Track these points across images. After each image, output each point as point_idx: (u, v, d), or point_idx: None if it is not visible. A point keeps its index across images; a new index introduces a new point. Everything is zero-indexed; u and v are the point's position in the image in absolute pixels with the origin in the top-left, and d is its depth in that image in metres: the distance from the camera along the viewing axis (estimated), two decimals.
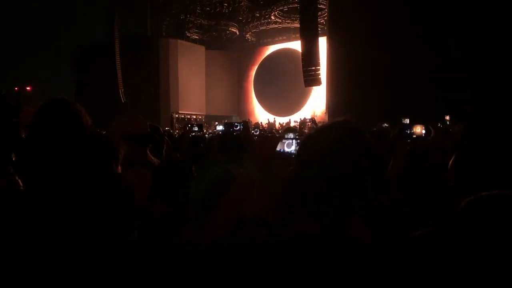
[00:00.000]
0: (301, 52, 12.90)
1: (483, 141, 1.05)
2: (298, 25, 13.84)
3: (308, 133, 0.96)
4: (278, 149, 1.22)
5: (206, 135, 11.15)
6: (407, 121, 7.07)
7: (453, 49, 8.97)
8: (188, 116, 17.64)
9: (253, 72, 19.86)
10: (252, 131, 10.79)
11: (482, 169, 1.01)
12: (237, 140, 2.36)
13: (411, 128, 2.47)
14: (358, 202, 0.82)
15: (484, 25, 8.60)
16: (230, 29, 17.12)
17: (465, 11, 8.86)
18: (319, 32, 13.04)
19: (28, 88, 13.84)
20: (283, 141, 1.25)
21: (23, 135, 1.51)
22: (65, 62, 12.18)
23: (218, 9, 14.94)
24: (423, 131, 2.47)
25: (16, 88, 13.07)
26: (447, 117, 6.24)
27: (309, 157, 0.86)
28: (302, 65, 12.81)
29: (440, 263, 0.78)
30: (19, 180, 1.28)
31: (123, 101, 14.37)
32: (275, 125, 16.05)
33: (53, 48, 11.53)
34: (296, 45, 16.14)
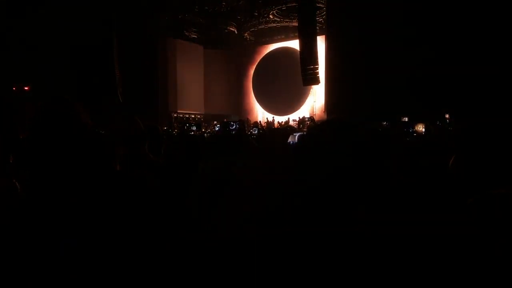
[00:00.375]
0: (299, 51, 12.90)
1: (484, 140, 1.06)
2: (296, 24, 13.82)
3: (305, 132, 0.98)
4: (289, 141, 1.24)
5: (205, 134, 11.14)
6: (406, 119, 7.08)
7: (452, 47, 8.97)
8: (187, 116, 17.63)
9: (251, 71, 19.85)
10: (251, 130, 10.79)
11: (483, 168, 1.01)
12: (235, 139, 2.38)
13: (411, 127, 2.48)
14: (357, 194, 0.84)
15: (483, 23, 8.61)
16: (228, 28, 17.07)
17: (463, 8, 8.86)
18: (318, 31, 13.04)
19: (26, 88, 13.79)
20: (294, 134, 1.28)
21: (22, 135, 1.49)
22: (62, 61, 12.13)
23: (216, 8, 14.91)
24: (423, 130, 2.47)
25: (14, 88, 13.02)
26: (447, 116, 6.25)
27: (306, 152, 0.88)
28: (301, 64, 12.80)
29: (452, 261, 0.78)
30: (16, 182, 1.27)
31: (120, 101, 14.34)
32: (274, 124, 16.06)
33: (50, 48, 11.49)
34: (294, 44, 16.13)
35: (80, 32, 12.45)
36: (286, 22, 15.84)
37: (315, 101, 17.27)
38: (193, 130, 11.98)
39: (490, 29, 8.54)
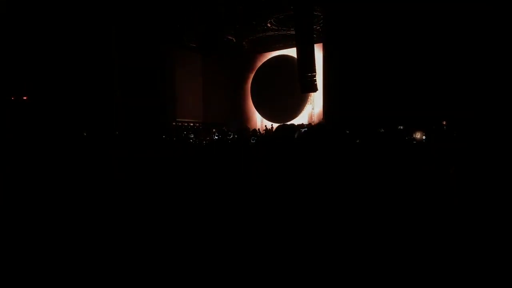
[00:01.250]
0: (297, 59, 12.98)
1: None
2: (294, 32, 13.92)
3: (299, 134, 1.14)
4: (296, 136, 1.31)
5: (204, 142, 11.14)
6: (401, 127, 7.10)
7: (450, 54, 9.04)
8: (186, 124, 17.64)
9: (250, 79, 19.95)
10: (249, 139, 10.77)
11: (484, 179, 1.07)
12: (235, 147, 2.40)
13: (410, 134, 2.49)
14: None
15: (481, 27, 8.69)
16: (227, 36, 17.18)
17: (460, 16, 8.96)
18: (315, 38, 13.14)
19: (24, 98, 13.79)
20: (301, 129, 1.36)
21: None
22: (61, 67, 12.19)
23: (214, 17, 15.00)
24: (423, 137, 2.49)
25: (12, 98, 13.03)
26: (444, 122, 6.27)
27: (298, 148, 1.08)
28: (298, 71, 12.88)
29: None
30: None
31: (120, 108, 14.32)
32: (272, 131, 16.07)
33: (49, 53, 11.56)
34: (292, 52, 16.24)
35: (79, 39, 12.53)
36: (284, 30, 15.97)
37: (313, 108, 17.35)
38: (191, 138, 11.98)
39: (488, 33, 8.62)
